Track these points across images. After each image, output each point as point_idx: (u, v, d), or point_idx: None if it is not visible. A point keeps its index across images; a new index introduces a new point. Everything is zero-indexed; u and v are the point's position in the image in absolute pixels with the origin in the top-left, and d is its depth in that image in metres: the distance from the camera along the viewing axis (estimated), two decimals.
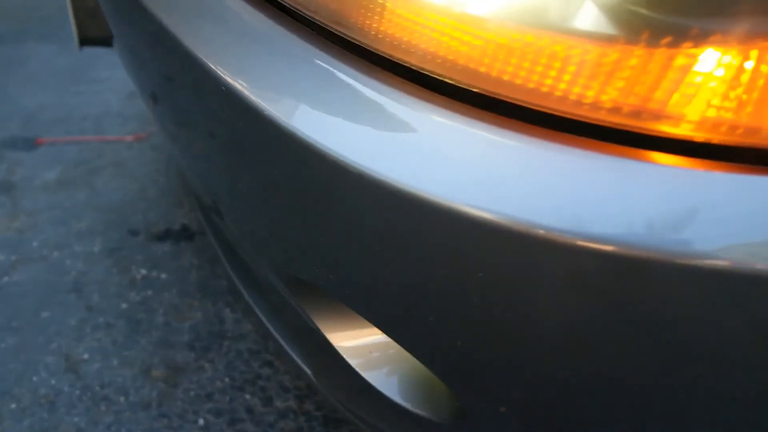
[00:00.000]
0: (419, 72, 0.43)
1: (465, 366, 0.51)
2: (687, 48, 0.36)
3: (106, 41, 0.97)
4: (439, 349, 0.51)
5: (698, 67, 0.36)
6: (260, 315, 0.88)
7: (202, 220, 1.03)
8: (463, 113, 0.42)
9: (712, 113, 0.37)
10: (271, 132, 0.48)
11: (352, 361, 0.67)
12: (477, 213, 0.40)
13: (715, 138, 0.37)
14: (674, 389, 0.41)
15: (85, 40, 0.98)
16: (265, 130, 0.49)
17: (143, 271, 1.26)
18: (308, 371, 0.80)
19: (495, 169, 0.41)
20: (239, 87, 0.49)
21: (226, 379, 1.07)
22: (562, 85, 0.39)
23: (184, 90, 0.65)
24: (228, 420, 1.01)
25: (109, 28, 0.88)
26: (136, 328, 1.16)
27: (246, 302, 1.18)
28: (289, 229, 0.56)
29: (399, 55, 0.43)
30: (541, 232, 0.38)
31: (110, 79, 1.83)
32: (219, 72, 0.50)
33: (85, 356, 1.11)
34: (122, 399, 1.05)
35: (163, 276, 1.25)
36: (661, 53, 0.36)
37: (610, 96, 0.38)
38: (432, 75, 0.42)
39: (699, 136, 0.37)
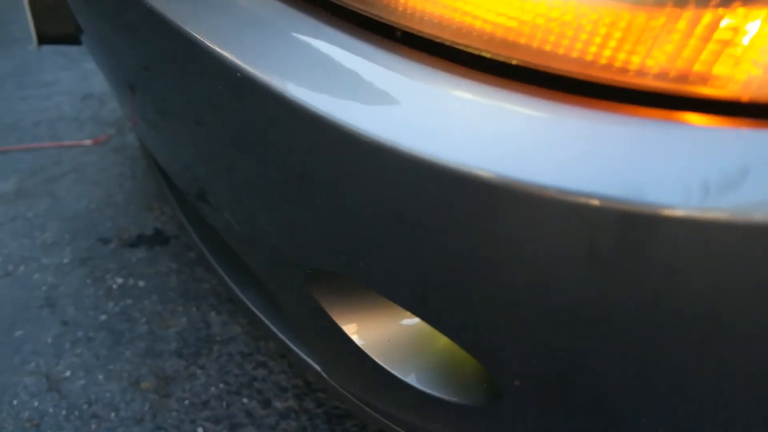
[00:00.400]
0: (453, 48, 0.42)
1: (506, 343, 0.50)
2: (735, 8, 0.35)
3: (68, 38, 0.92)
4: (476, 327, 0.50)
5: (747, 27, 0.36)
6: (258, 313, 0.85)
7: (183, 220, 0.99)
8: (502, 87, 0.41)
9: (757, 72, 0.37)
10: (294, 115, 0.46)
11: (370, 352, 0.66)
12: (526, 186, 0.39)
13: (762, 97, 0.37)
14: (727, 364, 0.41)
15: (44, 39, 0.92)
16: (287, 114, 0.46)
17: (119, 280, 1.21)
18: (317, 367, 0.78)
19: (540, 141, 0.40)
20: (256, 73, 0.46)
21: (221, 385, 1.04)
22: (607, 52, 0.38)
23: (175, 76, 0.61)
24: (228, 426, 0.98)
25: (76, 23, 0.83)
26: (118, 339, 1.11)
27: (232, 304, 1.15)
28: (305, 214, 0.53)
29: (430, 31, 0.42)
30: (596, 202, 0.37)
31: (59, 81, 1.75)
32: (232, 58, 0.47)
33: (67, 374, 1.06)
34: (113, 415, 1.00)
35: (141, 283, 1.20)
36: (709, 15, 0.36)
37: (657, 61, 0.37)
38: (467, 50, 0.41)
39: (746, 96, 0.37)
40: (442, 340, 0.67)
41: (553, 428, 0.59)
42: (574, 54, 0.38)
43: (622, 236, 0.38)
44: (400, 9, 0.42)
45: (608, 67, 0.38)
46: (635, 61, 0.38)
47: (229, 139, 0.57)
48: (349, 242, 0.51)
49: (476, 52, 0.41)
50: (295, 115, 0.46)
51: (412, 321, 0.67)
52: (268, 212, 0.59)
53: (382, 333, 0.66)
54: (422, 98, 0.43)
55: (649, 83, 0.38)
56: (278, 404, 1.01)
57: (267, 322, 0.84)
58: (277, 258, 0.64)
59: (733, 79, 0.37)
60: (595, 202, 0.38)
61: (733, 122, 0.38)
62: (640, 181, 0.38)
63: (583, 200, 0.38)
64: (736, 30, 0.36)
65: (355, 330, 0.66)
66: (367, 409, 0.76)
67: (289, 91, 0.46)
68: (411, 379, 0.65)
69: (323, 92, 0.45)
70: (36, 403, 1.01)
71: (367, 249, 0.51)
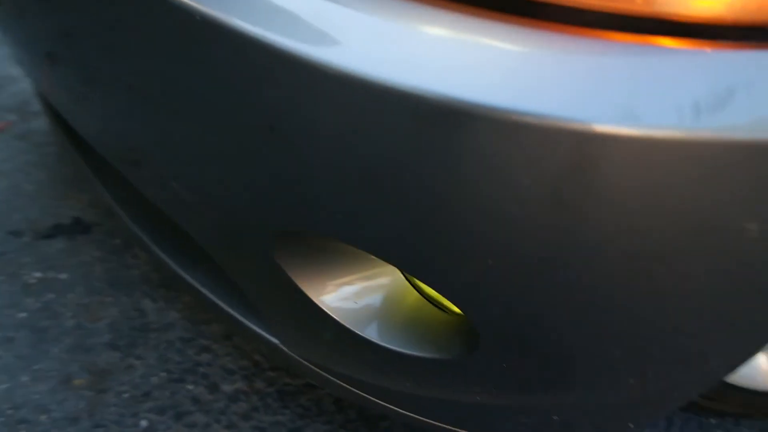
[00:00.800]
0: None
1: (485, 285, 0.50)
2: None
3: None
4: (454, 272, 0.49)
5: None
6: (206, 292, 0.80)
7: (111, 202, 0.92)
8: (489, 18, 0.40)
9: None
10: (263, 58, 0.43)
11: (337, 315, 0.64)
12: (520, 116, 0.38)
13: (745, 18, 0.38)
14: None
15: None
16: (254, 57, 0.43)
17: (37, 274, 1.11)
18: (274, 340, 0.75)
19: (531, 70, 0.39)
20: (220, 15, 0.43)
21: (162, 373, 0.98)
22: None
23: (110, 30, 0.56)
24: (173, 415, 0.93)
25: None
26: (42, 337, 1.02)
27: (167, 289, 1.09)
28: (273, 169, 0.50)
29: None
30: (596, 127, 0.38)
31: None
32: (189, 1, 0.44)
33: None
34: (44, 417, 0.93)
35: (63, 276, 1.11)
36: None
37: None
38: None
39: (729, 17, 0.38)
40: (410, 298, 0.66)
41: (525, 377, 0.60)
42: None
43: (614, 159, 0.39)
44: None
45: None
46: None
47: (182, 95, 0.53)
48: (323, 194, 0.49)
49: None
50: (265, 57, 0.43)
51: (378, 281, 0.66)
52: (226, 173, 0.55)
53: (348, 295, 0.65)
54: (404, 32, 0.42)
55: (638, 8, 0.38)
56: (226, 387, 0.97)
57: (217, 300, 0.80)
58: (237, 224, 0.61)
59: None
60: (595, 129, 0.38)
61: (717, 45, 0.39)
62: (633, 105, 0.38)
63: (576, 126, 0.38)
64: None
65: (320, 294, 0.64)
66: (330, 377, 0.74)
67: (256, 32, 0.43)
68: (381, 340, 0.64)
69: (289, 30, 0.43)
70: None
71: (341, 199, 0.49)
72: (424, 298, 0.66)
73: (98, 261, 1.14)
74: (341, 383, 0.73)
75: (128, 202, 0.92)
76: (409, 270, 0.51)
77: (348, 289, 0.64)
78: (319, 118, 0.44)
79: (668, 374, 0.60)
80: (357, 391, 0.73)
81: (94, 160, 0.97)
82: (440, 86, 0.39)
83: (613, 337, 0.54)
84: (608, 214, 0.42)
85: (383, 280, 0.66)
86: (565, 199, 0.41)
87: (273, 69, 0.43)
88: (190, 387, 0.97)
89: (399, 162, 0.43)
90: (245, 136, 0.49)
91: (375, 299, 0.65)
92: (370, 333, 0.64)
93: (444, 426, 0.72)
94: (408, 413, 0.73)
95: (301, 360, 0.74)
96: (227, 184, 0.56)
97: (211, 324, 1.05)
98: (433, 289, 0.51)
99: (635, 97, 0.38)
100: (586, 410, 0.65)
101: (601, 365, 0.58)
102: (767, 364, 0.95)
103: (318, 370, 0.74)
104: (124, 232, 1.16)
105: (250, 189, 0.54)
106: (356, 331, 0.64)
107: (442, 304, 0.65)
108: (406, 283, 0.66)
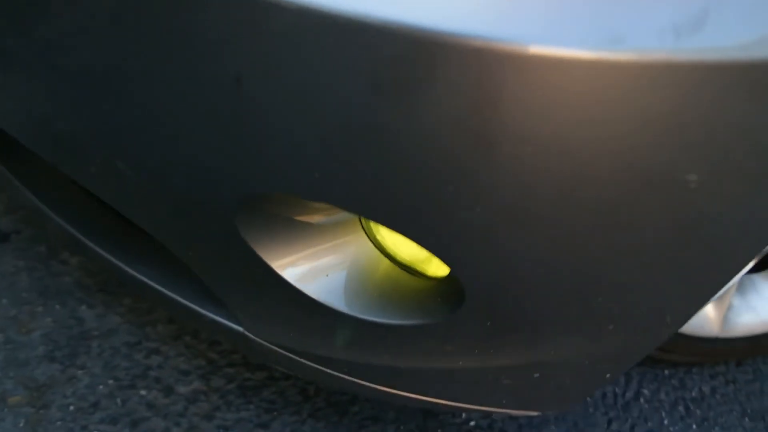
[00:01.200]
0: None
1: (469, 239, 0.48)
2: None
3: None
4: (445, 223, 0.47)
5: None
6: (157, 286, 0.75)
7: (39, 204, 0.84)
8: None
9: None
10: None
11: (309, 290, 0.61)
12: (517, 47, 0.37)
13: None
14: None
15: None
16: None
17: None
18: (237, 327, 0.71)
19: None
20: None
21: (110, 381, 0.91)
22: None
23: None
24: (128, 423, 0.87)
25: None
26: None
27: (105, 294, 1.02)
28: (244, 126, 0.46)
29: None
30: (576, 53, 0.37)
31: None
32: None
33: None
34: None
35: None
36: None
37: None
38: None
39: None
40: (382, 267, 0.64)
41: (509, 334, 0.59)
42: None
43: (601, 87, 0.38)
44: None
45: None
46: None
47: (131, 53, 0.48)
48: (301, 146, 0.45)
49: None
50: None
51: (347, 252, 0.63)
52: (185, 140, 0.51)
53: (319, 269, 0.62)
54: None
55: None
56: (182, 389, 0.91)
57: (171, 294, 0.74)
58: (195, 201, 0.56)
59: None
60: (575, 55, 0.37)
61: None
62: (611, 28, 0.37)
63: (563, 53, 0.37)
64: None
65: (289, 270, 0.60)
66: (301, 360, 0.70)
67: None
68: (357, 312, 0.61)
69: None
70: None
71: (322, 152, 0.45)
72: (397, 265, 0.64)
73: (22, 270, 1.05)
74: (313, 365, 0.70)
75: (56, 200, 0.84)
76: (392, 225, 0.48)
77: (318, 263, 0.61)
78: (291, 61, 0.40)
79: (641, 322, 0.61)
80: (331, 372, 0.70)
81: (11, 159, 0.89)
82: (419, 18, 0.37)
83: (589, 285, 0.54)
84: (591, 145, 0.41)
85: (353, 251, 0.63)
86: (552, 131, 0.40)
87: (239, 11, 0.40)
88: (143, 392, 0.91)
89: (379, 104, 0.41)
90: (208, 93, 0.45)
91: (346, 270, 0.62)
92: (345, 306, 0.61)
93: (424, 398, 0.71)
94: (385, 389, 0.71)
95: (268, 345, 0.70)
96: (185, 154, 0.52)
97: (157, 325, 0.99)
98: (420, 244, 0.49)
99: (617, 22, 0.37)
100: (565, 365, 0.65)
101: (583, 314, 0.58)
102: (713, 313, 0.99)
103: (288, 354, 0.70)
104: (52, 235, 1.07)
105: (213, 154, 0.50)
106: (330, 306, 0.61)
107: (416, 270, 0.63)
108: (377, 252, 0.63)
